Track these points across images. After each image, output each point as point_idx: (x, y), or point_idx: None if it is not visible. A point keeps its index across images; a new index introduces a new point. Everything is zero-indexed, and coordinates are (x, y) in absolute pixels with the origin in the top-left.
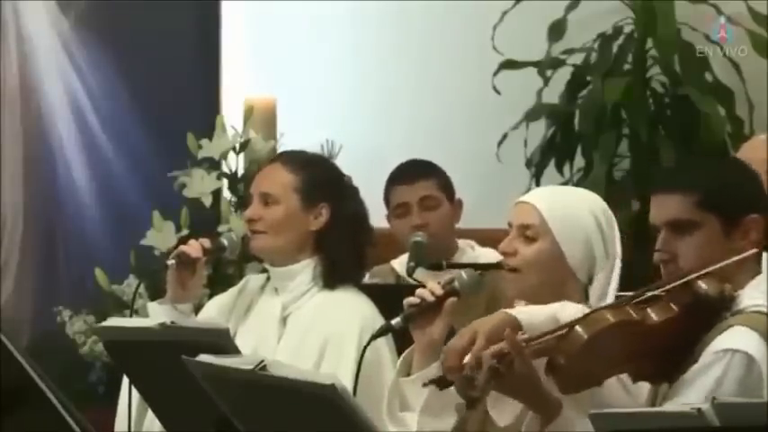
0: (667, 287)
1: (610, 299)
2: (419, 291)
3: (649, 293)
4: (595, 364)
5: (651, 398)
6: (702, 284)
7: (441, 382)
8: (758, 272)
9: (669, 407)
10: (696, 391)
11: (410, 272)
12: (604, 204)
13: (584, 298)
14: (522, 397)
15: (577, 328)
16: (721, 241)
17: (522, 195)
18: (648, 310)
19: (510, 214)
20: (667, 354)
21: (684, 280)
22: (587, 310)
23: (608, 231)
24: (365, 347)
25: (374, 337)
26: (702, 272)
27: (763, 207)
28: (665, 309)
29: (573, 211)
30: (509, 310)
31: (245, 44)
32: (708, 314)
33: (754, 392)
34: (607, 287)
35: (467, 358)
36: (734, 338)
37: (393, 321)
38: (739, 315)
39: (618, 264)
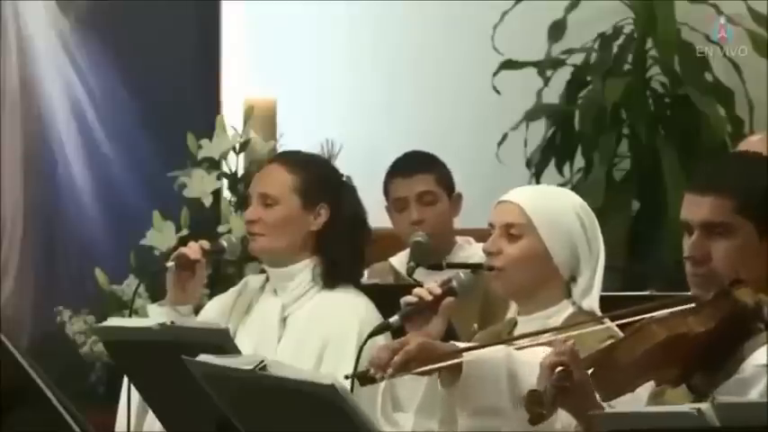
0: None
1: (595, 296)
2: (417, 290)
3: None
4: (636, 374)
5: (651, 397)
6: (740, 294)
7: (363, 378)
8: None
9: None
10: None
11: (410, 272)
12: (585, 203)
13: (568, 295)
14: (578, 410)
15: (628, 341)
16: (755, 248)
17: (502, 195)
18: (691, 319)
19: (491, 215)
20: (697, 362)
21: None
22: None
23: (590, 229)
24: (362, 345)
25: (372, 334)
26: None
27: None
28: (705, 319)
29: (556, 208)
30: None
31: (245, 44)
32: (742, 324)
33: None
34: (592, 284)
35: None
36: None
37: (391, 319)
38: None
39: (602, 261)
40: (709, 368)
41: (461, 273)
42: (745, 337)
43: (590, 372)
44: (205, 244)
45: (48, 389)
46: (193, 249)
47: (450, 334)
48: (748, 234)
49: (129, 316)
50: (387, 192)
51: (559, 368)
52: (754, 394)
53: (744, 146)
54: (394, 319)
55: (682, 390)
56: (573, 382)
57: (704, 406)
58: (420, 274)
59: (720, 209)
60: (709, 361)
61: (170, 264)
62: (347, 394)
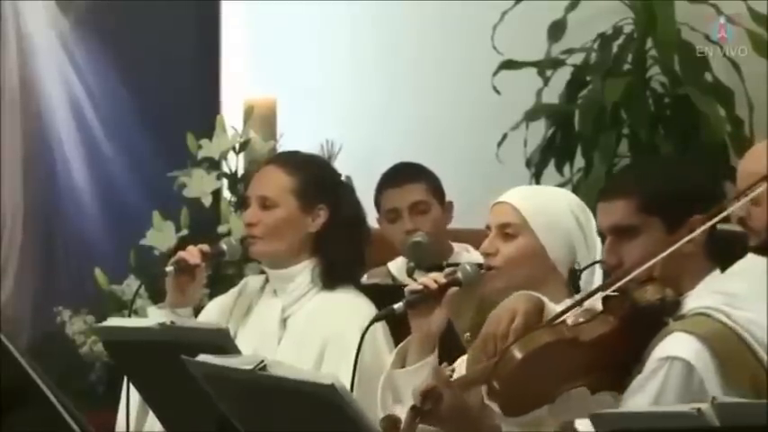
0: (609, 290)
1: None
2: (422, 279)
3: (588, 297)
4: (537, 383)
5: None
6: (640, 292)
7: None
8: (707, 274)
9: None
10: (642, 397)
11: (410, 272)
12: (580, 200)
13: (568, 293)
14: (455, 429)
15: (512, 349)
16: (665, 242)
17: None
18: (582, 326)
19: (488, 217)
20: (618, 364)
21: (620, 284)
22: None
23: (587, 226)
24: (364, 332)
25: (376, 319)
26: (626, 278)
27: (707, 208)
28: (600, 323)
29: (551, 206)
30: (530, 293)
31: (245, 44)
32: (650, 321)
33: (696, 398)
34: (591, 280)
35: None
36: (673, 345)
37: (395, 306)
38: (681, 320)
39: (600, 257)
40: (633, 370)
41: (467, 265)
42: (654, 334)
43: (484, 389)
44: (205, 248)
45: (48, 389)
46: (193, 254)
47: (449, 333)
48: (656, 230)
49: (129, 316)
50: (378, 204)
51: (425, 393)
52: (652, 387)
53: (752, 152)
54: (398, 305)
55: None
56: (439, 402)
57: (704, 406)
58: (419, 274)
59: (625, 211)
60: (629, 363)
61: (169, 268)
62: (347, 394)
